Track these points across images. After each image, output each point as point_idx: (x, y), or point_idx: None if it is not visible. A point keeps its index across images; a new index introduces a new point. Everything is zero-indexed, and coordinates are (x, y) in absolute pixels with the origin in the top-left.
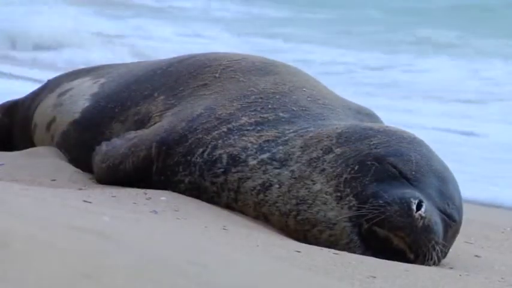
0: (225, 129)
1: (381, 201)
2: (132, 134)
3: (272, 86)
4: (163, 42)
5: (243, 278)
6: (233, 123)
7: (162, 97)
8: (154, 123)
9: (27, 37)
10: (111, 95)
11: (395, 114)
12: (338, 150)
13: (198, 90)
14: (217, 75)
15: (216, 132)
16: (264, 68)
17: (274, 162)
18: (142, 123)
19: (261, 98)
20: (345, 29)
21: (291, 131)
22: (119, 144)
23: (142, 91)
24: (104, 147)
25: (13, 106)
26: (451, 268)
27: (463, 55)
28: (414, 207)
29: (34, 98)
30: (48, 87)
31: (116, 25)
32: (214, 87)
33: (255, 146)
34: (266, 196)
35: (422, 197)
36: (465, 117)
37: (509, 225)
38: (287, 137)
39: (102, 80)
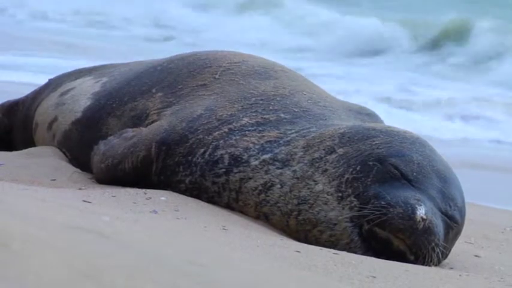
0: (226, 130)
1: (383, 203)
2: (129, 133)
3: (272, 89)
4: None
5: (243, 278)
6: (234, 124)
7: (160, 94)
8: (152, 121)
9: None
10: (112, 92)
11: None
12: (340, 151)
13: (197, 90)
14: (216, 76)
15: (217, 132)
16: (263, 73)
17: (276, 163)
18: (139, 119)
19: (262, 99)
20: None
21: (293, 131)
22: (116, 143)
23: (140, 86)
24: (102, 146)
25: (13, 106)
26: (451, 268)
27: None
28: (419, 212)
29: (35, 98)
30: (50, 86)
31: None
32: (214, 88)
33: (257, 147)
34: (268, 196)
35: (423, 199)
36: None
37: (509, 225)
38: (289, 138)
39: (104, 79)
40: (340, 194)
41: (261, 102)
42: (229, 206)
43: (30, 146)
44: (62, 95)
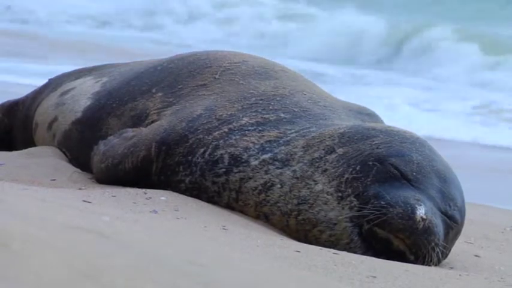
0: (226, 130)
1: (382, 203)
2: (129, 133)
3: (272, 89)
4: None
5: (243, 278)
6: (234, 124)
7: (160, 94)
8: (152, 121)
9: None
10: (112, 92)
11: None
12: (340, 150)
13: (198, 90)
14: (216, 76)
15: (217, 132)
16: (263, 73)
17: (276, 163)
18: (139, 119)
19: (262, 99)
20: None
21: (293, 131)
22: (116, 143)
23: (140, 86)
24: (101, 146)
25: (13, 106)
26: (451, 268)
27: None
28: (418, 212)
29: (35, 97)
30: (50, 86)
31: None
32: (214, 88)
33: (257, 146)
34: (268, 196)
35: (423, 199)
36: None
37: (509, 225)
38: (289, 137)
39: (104, 79)
40: (340, 194)
41: (261, 102)
42: (229, 206)
43: (30, 146)
44: (62, 95)
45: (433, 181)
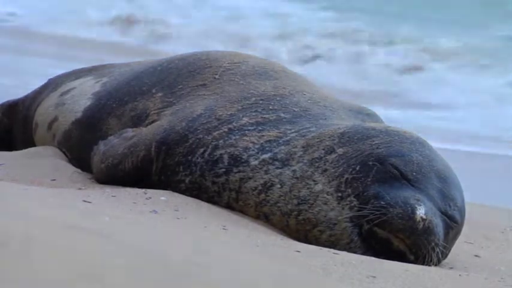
0: (225, 130)
1: (382, 203)
2: (129, 132)
3: (272, 89)
4: None
5: (243, 277)
6: (234, 124)
7: (160, 94)
8: (152, 121)
9: None
10: (112, 92)
11: None
12: (340, 150)
13: (197, 90)
14: (217, 76)
15: (216, 132)
16: (263, 73)
17: (276, 162)
18: (139, 119)
19: (262, 99)
20: None
21: (293, 131)
22: (116, 143)
23: (140, 86)
24: (101, 146)
25: (13, 106)
26: (451, 268)
27: None
28: (418, 212)
29: (35, 97)
30: (50, 86)
31: None
32: (214, 88)
33: (257, 146)
34: (268, 196)
35: (423, 199)
36: None
37: (509, 225)
38: (289, 137)
39: (105, 79)
40: (339, 194)
41: (260, 102)
42: (229, 206)
43: (30, 146)
44: (62, 95)
45: (433, 181)
